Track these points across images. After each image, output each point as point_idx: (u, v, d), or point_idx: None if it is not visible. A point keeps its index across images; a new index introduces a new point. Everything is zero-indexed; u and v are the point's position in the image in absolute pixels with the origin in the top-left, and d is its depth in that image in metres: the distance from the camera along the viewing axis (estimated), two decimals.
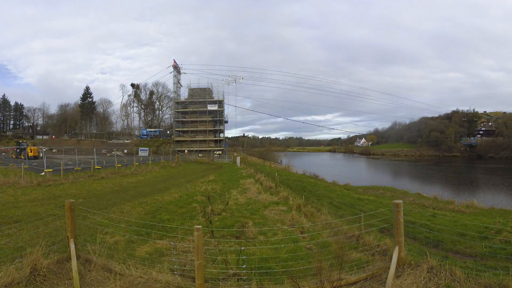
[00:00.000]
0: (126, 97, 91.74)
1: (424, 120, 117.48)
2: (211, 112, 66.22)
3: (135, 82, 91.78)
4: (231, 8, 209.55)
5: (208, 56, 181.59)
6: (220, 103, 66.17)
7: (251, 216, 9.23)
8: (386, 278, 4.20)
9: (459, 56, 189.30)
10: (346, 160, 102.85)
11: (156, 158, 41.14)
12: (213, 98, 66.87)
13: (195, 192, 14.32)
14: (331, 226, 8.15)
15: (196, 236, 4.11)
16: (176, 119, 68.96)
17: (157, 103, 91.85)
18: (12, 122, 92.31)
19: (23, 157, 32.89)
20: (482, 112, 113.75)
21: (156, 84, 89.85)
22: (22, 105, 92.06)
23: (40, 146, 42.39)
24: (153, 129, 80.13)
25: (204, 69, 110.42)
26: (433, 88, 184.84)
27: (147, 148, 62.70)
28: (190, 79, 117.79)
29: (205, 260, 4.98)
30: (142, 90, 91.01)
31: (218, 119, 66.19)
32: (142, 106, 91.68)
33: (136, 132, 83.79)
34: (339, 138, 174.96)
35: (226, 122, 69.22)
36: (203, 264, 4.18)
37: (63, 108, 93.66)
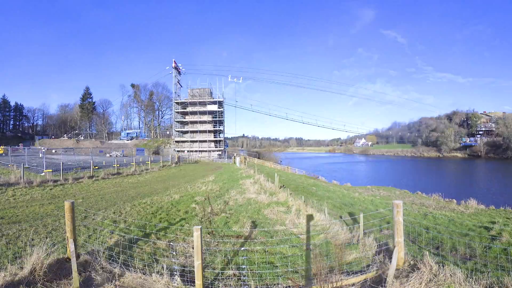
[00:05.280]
0: (126, 98, 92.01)
1: (424, 120, 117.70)
2: (211, 112, 66.22)
3: (135, 82, 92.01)
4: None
5: (208, 57, 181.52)
6: (220, 103, 66.17)
7: (251, 217, 9.22)
8: (386, 279, 4.20)
9: None
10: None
11: (156, 159, 41.13)
12: (212, 98, 66.84)
13: (195, 193, 14.31)
14: (330, 227, 8.14)
15: (196, 237, 4.11)
16: (176, 120, 68.94)
17: (157, 103, 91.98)
18: (12, 122, 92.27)
19: None
20: (482, 112, 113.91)
21: (156, 85, 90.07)
22: (22, 105, 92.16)
23: (40, 146, 42.35)
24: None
25: (204, 69, 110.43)
26: None
27: (143, 149, 63.19)
28: (190, 80, 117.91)
29: (204, 260, 4.97)
30: (142, 90, 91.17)
31: (218, 120, 66.18)
32: (142, 106, 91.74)
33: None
34: (339, 139, 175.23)
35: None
36: (202, 265, 4.18)
37: (63, 108, 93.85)
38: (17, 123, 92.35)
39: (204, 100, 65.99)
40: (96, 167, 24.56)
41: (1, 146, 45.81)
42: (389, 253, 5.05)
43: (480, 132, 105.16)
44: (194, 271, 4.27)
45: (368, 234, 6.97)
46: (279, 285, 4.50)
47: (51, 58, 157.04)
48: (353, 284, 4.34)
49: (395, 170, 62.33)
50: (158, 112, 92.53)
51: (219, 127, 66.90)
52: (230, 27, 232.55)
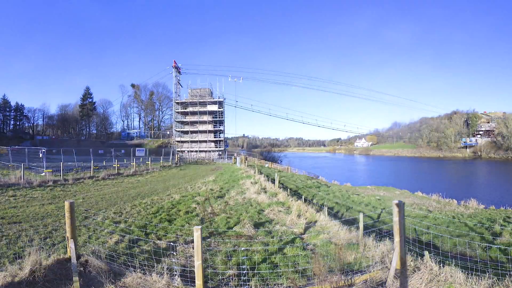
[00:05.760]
0: (126, 98, 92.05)
1: (424, 120, 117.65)
2: (211, 112, 66.22)
3: (135, 82, 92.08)
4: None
5: (208, 57, 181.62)
6: (220, 103, 66.17)
7: (251, 217, 9.22)
8: (386, 279, 4.19)
9: None
10: None
11: (156, 159, 41.13)
12: (213, 98, 66.85)
13: (195, 193, 14.31)
14: (330, 227, 8.14)
15: (196, 237, 4.11)
16: (176, 120, 68.97)
17: (157, 103, 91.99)
18: (12, 122, 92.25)
19: None
20: (482, 112, 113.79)
21: (156, 85, 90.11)
22: (23, 105, 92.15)
23: (40, 147, 42.44)
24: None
25: (204, 69, 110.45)
26: None
27: (143, 149, 63.30)
28: (190, 80, 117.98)
29: (205, 260, 4.98)
30: (142, 90, 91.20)
31: (218, 120, 66.19)
32: (142, 106, 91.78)
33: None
34: (339, 139, 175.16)
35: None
36: (202, 265, 4.18)
37: (63, 108, 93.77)
38: (18, 123, 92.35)
39: (204, 100, 66.00)
40: (96, 167, 24.57)
41: (2, 147, 45.95)
42: (389, 253, 5.05)
43: (481, 132, 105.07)
44: (194, 271, 4.27)
45: (368, 234, 6.96)
46: (280, 285, 4.51)
47: (52, 58, 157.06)
48: (353, 284, 4.34)
49: (395, 170, 62.32)
50: (158, 112, 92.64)
51: (219, 127, 66.91)
52: (230, 27, 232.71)
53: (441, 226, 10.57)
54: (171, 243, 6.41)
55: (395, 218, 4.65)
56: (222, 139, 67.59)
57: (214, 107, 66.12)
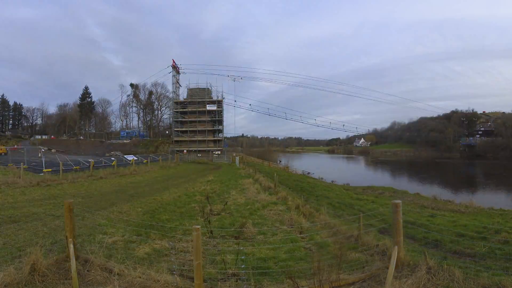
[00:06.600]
0: (125, 97, 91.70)
1: (423, 120, 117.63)
2: (210, 112, 66.12)
3: (134, 82, 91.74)
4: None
5: (207, 56, 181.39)
6: (219, 103, 66.09)
7: (250, 216, 9.23)
8: (385, 278, 4.20)
9: None
10: None
11: (155, 158, 41.11)
12: (212, 98, 66.76)
13: (194, 192, 14.32)
14: (330, 226, 8.15)
15: (195, 236, 4.10)
16: (175, 119, 68.86)
17: (156, 103, 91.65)
18: (11, 122, 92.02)
19: None
20: (481, 112, 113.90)
21: (155, 84, 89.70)
22: (21, 105, 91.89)
23: (39, 146, 42.39)
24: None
25: (203, 69, 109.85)
26: None
27: (143, 149, 63.42)
28: (189, 79, 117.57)
29: (204, 260, 4.97)
30: (141, 90, 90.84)
31: (217, 119, 66.11)
32: (141, 106, 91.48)
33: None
34: (338, 138, 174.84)
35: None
36: (201, 264, 4.18)
37: (62, 108, 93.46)
38: (16, 122, 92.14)
39: (203, 99, 65.91)
40: (95, 167, 24.55)
41: (1, 146, 45.91)
42: (388, 252, 5.06)
43: (479, 132, 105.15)
44: (193, 271, 4.27)
45: (367, 233, 6.97)
46: (279, 284, 4.51)
47: (51, 57, 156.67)
48: (352, 283, 4.35)
49: (394, 170, 62.41)
50: (157, 112, 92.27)
51: (218, 127, 66.85)
52: (230, 25, 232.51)
53: (440, 226, 10.59)
54: (170, 243, 6.41)
55: (394, 217, 4.66)
56: (221, 138, 67.56)
57: (213, 107, 65.99)
